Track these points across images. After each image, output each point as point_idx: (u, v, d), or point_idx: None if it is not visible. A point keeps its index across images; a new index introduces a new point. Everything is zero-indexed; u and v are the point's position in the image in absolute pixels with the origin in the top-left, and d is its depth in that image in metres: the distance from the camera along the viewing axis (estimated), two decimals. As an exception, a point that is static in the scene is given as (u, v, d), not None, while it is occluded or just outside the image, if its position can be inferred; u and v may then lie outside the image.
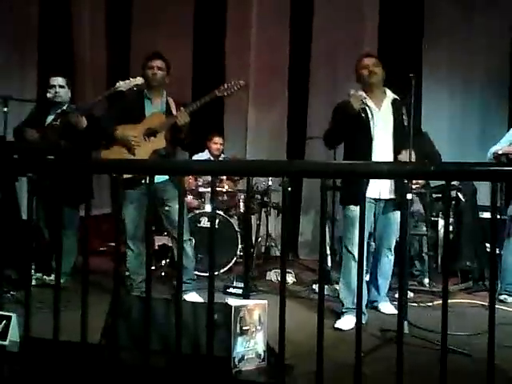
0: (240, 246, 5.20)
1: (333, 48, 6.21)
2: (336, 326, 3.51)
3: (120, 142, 3.99)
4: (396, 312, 3.48)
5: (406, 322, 3.38)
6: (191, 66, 6.88)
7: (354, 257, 3.50)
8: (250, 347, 2.16)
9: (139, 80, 4.09)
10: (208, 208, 5.20)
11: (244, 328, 2.15)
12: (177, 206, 3.84)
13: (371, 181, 3.37)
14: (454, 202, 4.86)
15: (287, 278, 4.94)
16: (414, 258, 4.88)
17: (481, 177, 1.69)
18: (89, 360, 2.16)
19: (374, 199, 3.64)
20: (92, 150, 4.47)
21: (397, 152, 3.59)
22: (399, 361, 1.68)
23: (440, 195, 4.89)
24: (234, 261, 5.16)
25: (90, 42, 6.83)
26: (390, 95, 3.72)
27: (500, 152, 4.20)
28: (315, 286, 4.41)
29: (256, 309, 2.17)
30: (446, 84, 6.08)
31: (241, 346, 2.13)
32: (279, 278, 4.88)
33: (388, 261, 3.81)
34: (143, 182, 3.83)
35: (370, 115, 3.62)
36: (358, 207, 3.49)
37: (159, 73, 4.04)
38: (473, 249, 4.70)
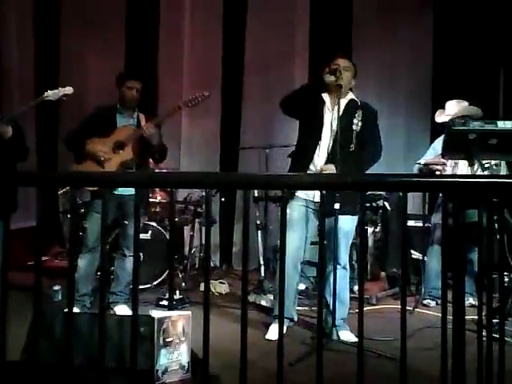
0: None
1: (265, 58, 6.29)
2: (266, 337, 3.54)
3: (90, 156, 4.06)
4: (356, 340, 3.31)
5: (334, 329, 3.47)
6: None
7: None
8: (174, 359, 2.15)
9: (68, 90, 4.05)
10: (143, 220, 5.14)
11: (167, 340, 2.14)
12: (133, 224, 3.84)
13: None
14: (381, 211, 5.02)
15: (221, 289, 4.96)
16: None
17: (393, 187, 1.78)
18: (9, 378, 2.08)
19: (306, 200, 3.50)
20: (17, 161, 4.36)
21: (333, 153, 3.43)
22: (319, 367, 1.72)
23: (368, 204, 5.04)
24: (166, 272, 5.11)
25: (17, 52, 6.60)
26: (348, 97, 3.59)
27: (422, 162, 4.39)
28: (249, 297, 4.44)
29: (180, 320, 2.17)
30: (373, 99, 6.27)
31: (164, 358, 2.12)
32: (213, 290, 4.93)
33: (338, 277, 3.40)
34: (114, 192, 3.85)
35: (324, 112, 3.54)
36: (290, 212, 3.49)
37: (138, 95, 4.17)
38: (399, 256, 4.85)
